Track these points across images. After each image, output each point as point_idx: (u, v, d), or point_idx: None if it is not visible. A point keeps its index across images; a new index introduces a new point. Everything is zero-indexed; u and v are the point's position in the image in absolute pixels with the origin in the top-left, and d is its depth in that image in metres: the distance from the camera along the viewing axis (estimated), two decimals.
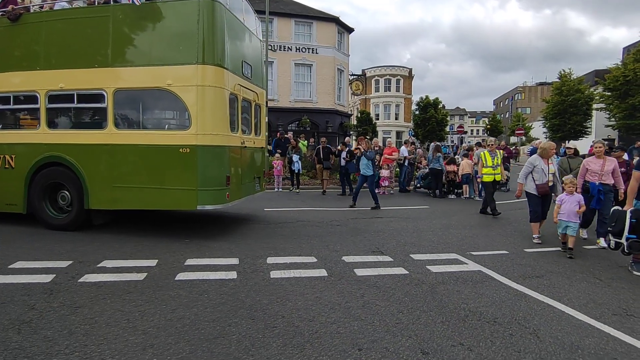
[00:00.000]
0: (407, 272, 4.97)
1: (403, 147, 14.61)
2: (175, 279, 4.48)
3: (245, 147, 7.39)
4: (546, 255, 5.96)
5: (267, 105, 16.82)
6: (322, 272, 4.88)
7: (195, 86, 6.12)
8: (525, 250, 6.26)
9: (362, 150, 10.39)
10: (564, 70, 39.85)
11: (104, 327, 3.29)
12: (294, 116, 28.83)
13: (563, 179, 6.31)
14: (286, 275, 4.73)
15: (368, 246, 6.23)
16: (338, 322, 3.53)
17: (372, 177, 10.33)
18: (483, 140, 16.19)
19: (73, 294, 3.98)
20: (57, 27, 6.75)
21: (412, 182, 14.86)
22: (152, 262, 5.02)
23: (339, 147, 13.85)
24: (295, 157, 13.34)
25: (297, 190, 13.57)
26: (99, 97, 6.48)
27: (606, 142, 7.11)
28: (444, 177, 12.77)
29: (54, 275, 4.47)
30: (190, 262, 5.12)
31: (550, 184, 6.81)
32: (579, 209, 6.00)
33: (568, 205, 6.00)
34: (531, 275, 5.03)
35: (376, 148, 12.02)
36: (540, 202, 6.83)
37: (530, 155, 19.97)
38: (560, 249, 6.16)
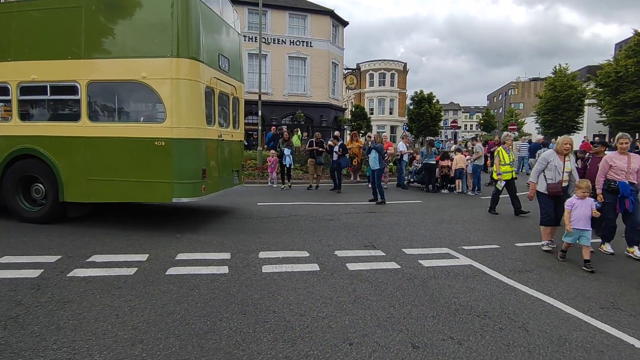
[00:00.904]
0: (399, 267, 4.99)
1: (401, 142, 14.42)
2: (166, 273, 4.45)
3: (223, 140, 7.45)
4: (536, 250, 6.01)
5: (259, 99, 16.83)
6: (315, 267, 4.88)
7: (170, 79, 6.14)
8: (516, 244, 6.31)
9: (370, 143, 10.55)
10: (559, 65, 39.95)
11: (92, 322, 3.26)
12: (288, 110, 28.72)
13: (577, 182, 5.57)
14: (278, 270, 4.72)
15: (361, 241, 6.24)
16: (329, 317, 3.53)
17: (380, 171, 10.30)
18: (477, 135, 16.22)
19: (62, 289, 3.94)
20: (29, 18, 6.65)
21: (406, 177, 14.87)
22: (143, 257, 4.98)
23: (330, 142, 13.40)
24: (286, 151, 12.62)
25: (289, 185, 12.90)
26: (73, 89, 6.42)
27: (597, 138, 7.10)
28: (437, 171, 12.80)
29: (42, 270, 4.42)
30: (181, 256, 5.09)
31: (565, 184, 5.98)
32: (592, 213, 5.27)
33: (581, 211, 5.25)
34: (521, 270, 5.07)
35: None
36: (553, 203, 5.96)
37: (521, 151, 20.00)
38: (558, 256, 5.58)
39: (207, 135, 6.77)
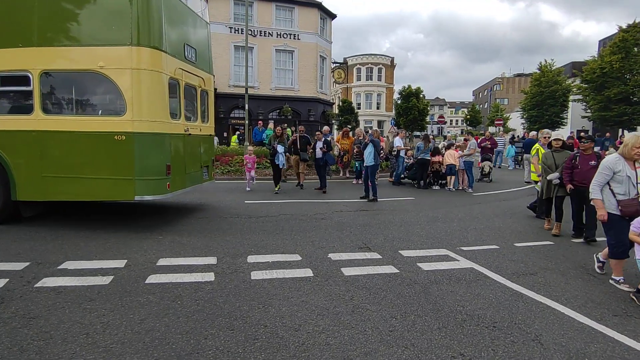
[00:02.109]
0: (397, 271, 4.69)
1: (397, 138, 13.78)
2: (146, 282, 4.06)
3: (190, 134, 7.10)
4: (537, 250, 5.79)
5: (246, 92, 16.33)
6: (308, 272, 4.54)
7: (130, 69, 5.78)
8: (515, 244, 6.08)
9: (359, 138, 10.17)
10: (545, 61, 40.30)
11: (59, 343, 2.86)
12: (275, 104, 28.18)
13: None
14: (268, 276, 4.37)
15: (355, 242, 5.93)
16: (327, 331, 3.21)
17: (375, 167, 9.89)
18: (470, 133, 16.04)
19: (28, 302, 3.52)
20: None
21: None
22: (120, 263, 4.57)
23: (316, 134, 12.43)
24: (280, 149, 10.83)
25: (277, 188, 10.84)
26: (24, 80, 5.97)
27: (582, 133, 6.85)
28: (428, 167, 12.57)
29: (7, 279, 3.99)
30: (162, 262, 4.69)
31: None
32: None
33: None
34: (525, 273, 4.82)
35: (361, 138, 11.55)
36: (626, 227, 4.24)
37: (510, 145, 20.02)
38: (632, 295, 4.12)
39: (172, 129, 6.43)
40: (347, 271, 4.62)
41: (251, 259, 4.94)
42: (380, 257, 5.23)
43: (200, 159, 7.71)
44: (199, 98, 7.75)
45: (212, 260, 4.83)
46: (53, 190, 6.04)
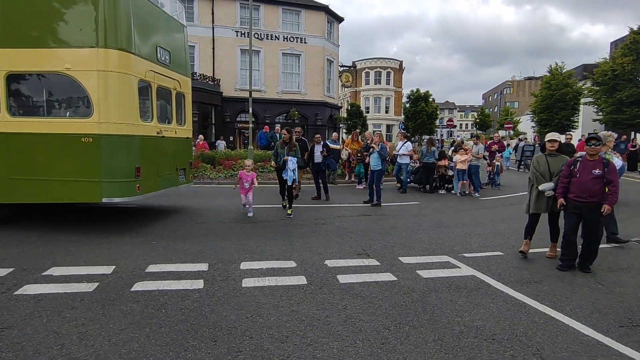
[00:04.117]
0: (395, 279, 4.50)
1: (408, 143, 12.97)
2: (132, 289, 3.93)
3: (163, 137, 7.08)
4: (543, 257, 5.54)
5: (250, 96, 16.24)
6: (301, 280, 4.38)
7: (97, 71, 5.77)
8: (520, 251, 5.83)
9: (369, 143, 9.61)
10: (556, 63, 39.70)
11: (30, 355, 2.73)
12: (282, 108, 28.14)
13: None
14: (260, 284, 4.21)
15: (354, 248, 5.75)
16: (315, 343, 3.04)
17: (381, 172, 9.65)
18: (477, 137, 15.69)
19: (4, 310, 3.41)
20: None
21: (401, 177, 14.36)
22: (108, 269, 4.45)
23: (314, 139, 10.81)
24: (291, 161, 7.92)
25: (289, 211, 8.12)
26: None
27: (588, 133, 5.48)
28: (434, 171, 12.31)
29: None
30: (152, 268, 4.56)
31: None
32: None
33: None
34: (529, 281, 4.60)
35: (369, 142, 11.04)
36: None
37: (520, 146, 19.50)
38: None
39: (142, 131, 6.40)
40: (343, 278, 4.45)
41: (244, 265, 4.79)
42: (379, 263, 5.04)
43: (175, 162, 7.67)
44: (174, 101, 7.71)
45: (203, 266, 4.69)
46: (20, 192, 6.05)
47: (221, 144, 20.04)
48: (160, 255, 5.07)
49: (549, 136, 5.64)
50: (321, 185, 10.32)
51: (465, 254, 5.57)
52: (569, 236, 5.02)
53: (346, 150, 14.13)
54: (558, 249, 5.42)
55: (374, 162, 9.55)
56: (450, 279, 4.58)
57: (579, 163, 4.98)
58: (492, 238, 6.59)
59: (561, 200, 5.08)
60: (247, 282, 4.24)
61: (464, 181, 11.83)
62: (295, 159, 8.02)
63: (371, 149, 9.66)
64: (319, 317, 3.50)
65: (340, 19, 31.64)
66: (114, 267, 4.54)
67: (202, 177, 13.11)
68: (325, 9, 29.13)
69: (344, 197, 10.89)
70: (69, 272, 4.35)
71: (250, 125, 16.26)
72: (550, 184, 5.21)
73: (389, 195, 11.13)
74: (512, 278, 4.66)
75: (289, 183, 7.96)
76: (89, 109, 5.88)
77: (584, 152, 5.08)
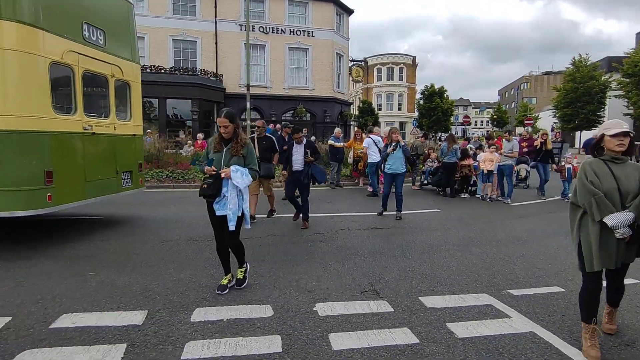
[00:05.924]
0: (416, 341, 3.00)
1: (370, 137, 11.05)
2: None
3: (94, 133, 5.84)
4: (627, 293, 3.94)
5: (247, 91, 14.83)
6: (274, 343, 2.91)
7: None
8: None
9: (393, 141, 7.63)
10: (580, 55, 37.48)
11: None
12: (289, 105, 26.75)
13: None
14: (208, 354, 2.76)
15: (358, 280, 4.26)
16: None
17: (403, 176, 7.91)
18: (509, 132, 13.98)
19: None
20: None
21: (418, 178, 12.81)
22: None
23: (295, 138, 6.94)
24: (236, 174, 3.67)
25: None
26: None
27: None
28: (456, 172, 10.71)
29: None
30: (63, 321, 3.14)
31: None
32: None
33: None
34: (618, 344, 3.05)
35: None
36: None
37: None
38: None
39: (57, 126, 5.22)
40: (337, 340, 2.97)
41: (197, 314, 3.34)
42: (392, 310, 3.54)
43: (115, 163, 6.38)
44: (113, 90, 6.39)
45: (138, 317, 3.25)
46: None
47: None
48: (88, 296, 3.65)
49: (612, 126, 2.92)
50: (301, 203, 6.95)
51: (511, 291, 4.04)
52: None
53: (349, 149, 12.53)
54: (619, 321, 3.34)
55: (397, 163, 7.72)
56: (498, 339, 3.05)
57: None
58: (541, 263, 5.01)
59: None
60: (190, 349, 2.79)
61: (489, 183, 10.21)
62: (244, 170, 3.77)
63: (393, 145, 7.70)
64: None
65: (350, 11, 30.07)
66: (8, 319, 3.14)
67: (193, 180, 11.76)
68: (334, 1, 27.59)
69: (350, 204, 9.36)
70: None
71: (248, 122, 14.89)
72: (628, 216, 2.72)
73: (405, 199, 9.51)
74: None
75: (229, 224, 3.75)
76: None
77: None
